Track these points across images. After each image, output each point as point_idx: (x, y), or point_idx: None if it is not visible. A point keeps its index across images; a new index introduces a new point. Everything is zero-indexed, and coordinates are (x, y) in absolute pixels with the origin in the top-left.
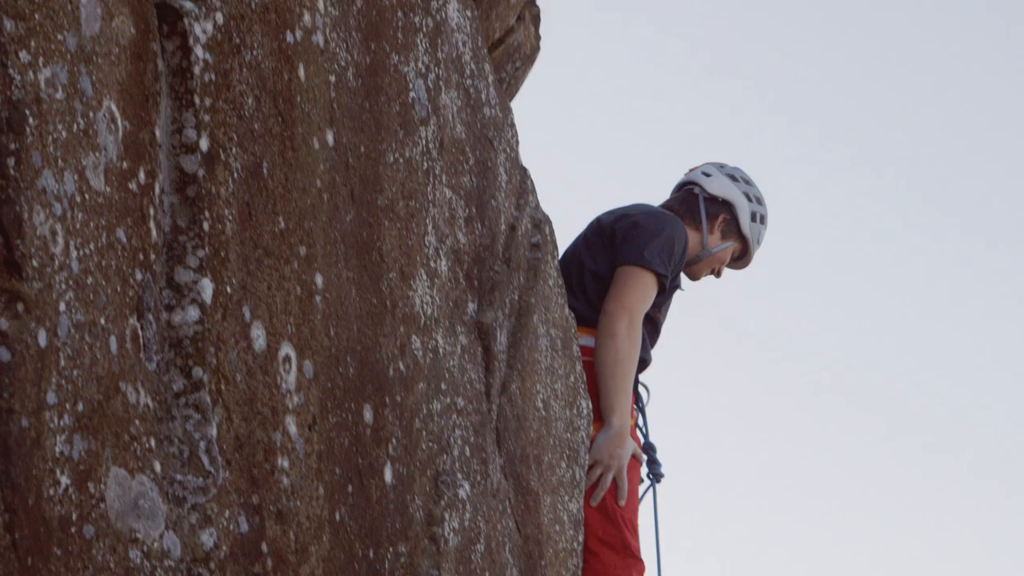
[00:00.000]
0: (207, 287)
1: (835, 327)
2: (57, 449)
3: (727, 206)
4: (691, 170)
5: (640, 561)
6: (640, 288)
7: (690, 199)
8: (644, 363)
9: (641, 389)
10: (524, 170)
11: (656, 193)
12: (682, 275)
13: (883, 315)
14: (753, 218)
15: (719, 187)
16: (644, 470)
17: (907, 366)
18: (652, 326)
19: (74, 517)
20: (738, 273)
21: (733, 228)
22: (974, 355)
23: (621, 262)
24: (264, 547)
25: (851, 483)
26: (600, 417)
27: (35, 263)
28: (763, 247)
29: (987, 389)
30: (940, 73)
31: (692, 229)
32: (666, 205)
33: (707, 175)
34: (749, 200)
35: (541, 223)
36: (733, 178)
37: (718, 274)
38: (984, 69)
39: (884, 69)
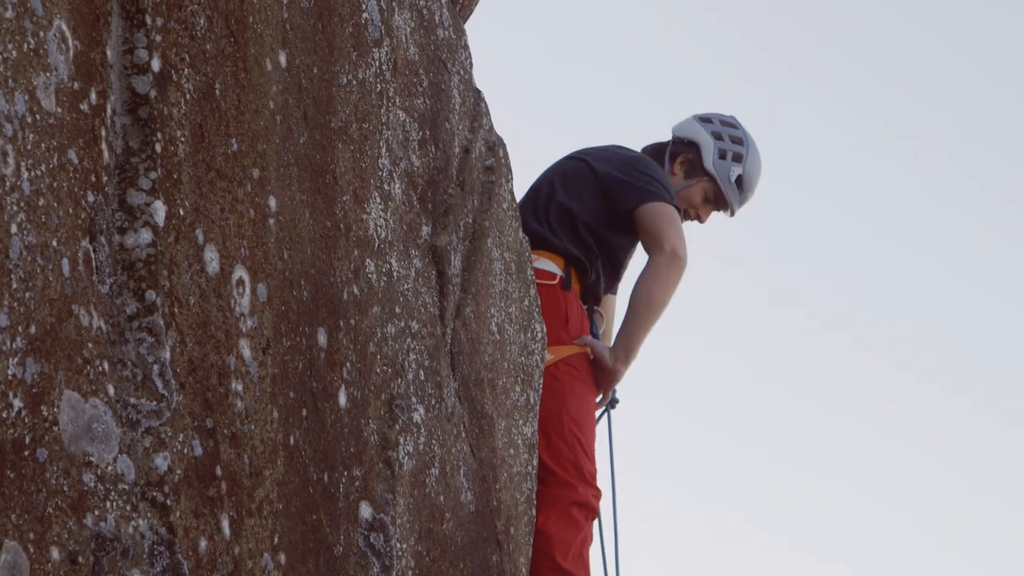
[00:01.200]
0: (159, 209)
1: (823, 271)
2: (10, 372)
3: (691, 146)
4: None
5: (595, 487)
6: (678, 223)
7: (660, 144)
8: (596, 297)
9: (596, 317)
10: (478, 92)
11: (608, 113)
12: None
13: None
14: (722, 155)
15: (685, 129)
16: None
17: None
18: (616, 268)
19: (27, 440)
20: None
21: (697, 167)
22: (970, 345)
23: (645, 199)
24: (218, 471)
25: (821, 414)
26: (556, 339)
27: None
28: (757, 194)
29: (984, 383)
30: (978, 52)
31: None
32: (645, 149)
33: (681, 123)
34: (720, 139)
35: (495, 146)
36: (706, 120)
37: (699, 218)
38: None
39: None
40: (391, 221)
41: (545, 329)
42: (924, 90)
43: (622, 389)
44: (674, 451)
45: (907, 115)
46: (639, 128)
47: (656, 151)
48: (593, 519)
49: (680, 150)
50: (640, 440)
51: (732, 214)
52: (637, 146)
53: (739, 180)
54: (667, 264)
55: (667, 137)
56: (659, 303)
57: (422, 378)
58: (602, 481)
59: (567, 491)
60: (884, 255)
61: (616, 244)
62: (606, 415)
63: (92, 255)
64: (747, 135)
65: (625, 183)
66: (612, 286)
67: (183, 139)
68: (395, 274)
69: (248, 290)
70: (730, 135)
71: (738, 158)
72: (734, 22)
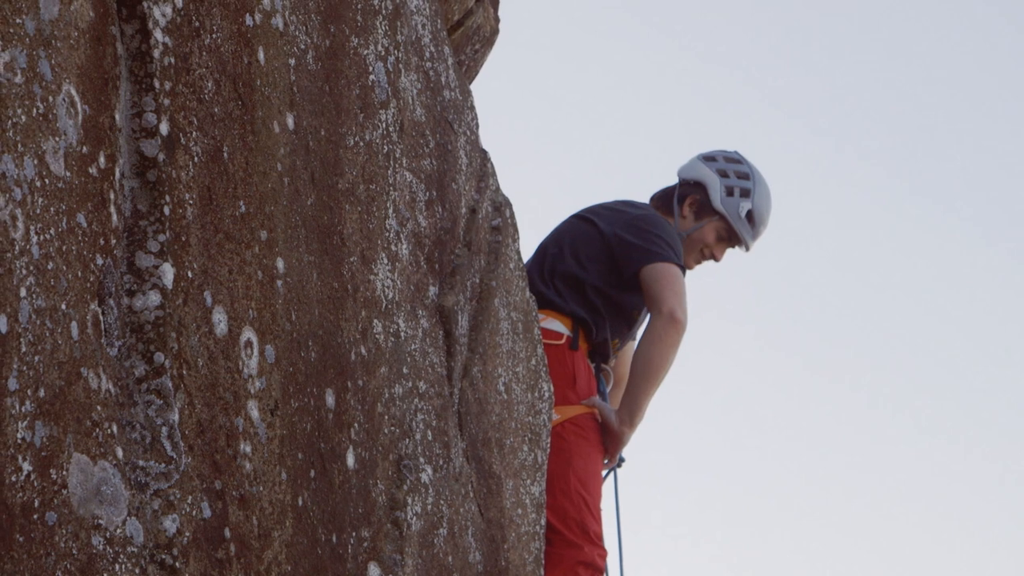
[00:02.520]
0: (168, 272)
1: (819, 313)
2: (19, 435)
3: (698, 186)
4: None
5: (601, 547)
6: (679, 284)
7: (668, 189)
8: (604, 356)
9: (604, 375)
10: (484, 153)
11: (615, 174)
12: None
13: (871, 305)
14: (729, 192)
15: (690, 170)
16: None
17: (879, 341)
18: (632, 319)
19: (36, 504)
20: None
21: (706, 207)
22: (965, 350)
23: (648, 260)
24: (227, 532)
25: (822, 469)
26: (563, 399)
27: None
28: (769, 226)
29: (980, 385)
30: (950, 69)
31: (667, 217)
32: (653, 198)
33: (686, 164)
34: (726, 176)
35: (502, 206)
36: (711, 159)
37: (715, 257)
38: (990, 60)
39: (892, 64)
40: (398, 282)
41: (552, 388)
42: (924, 132)
43: (628, 448)
44: (681, 509)
45: (906, 158)
46: (648, 184)
47: (664, 196)
48: None
49: (688, 192)
50: (647, 498)
51: (748, 249)
52: (645, 197)
53: (749, 215)
54: (664, 327)
55: (674, 181)
56: (659, 366)
57: (430, 438)
58: (609, 540)
59: (573, 551)
60: (886, 301)
61: (626, 303)
62: (612, 474)
63: (101, 318)
64: (753, 169)
65: (631, 244)
66: (625, 342)
67: (191, 202)
68: (402, 334)
69: (256, 351)
70: (735, 171)
71: (746, 193)
72: (733, 65)
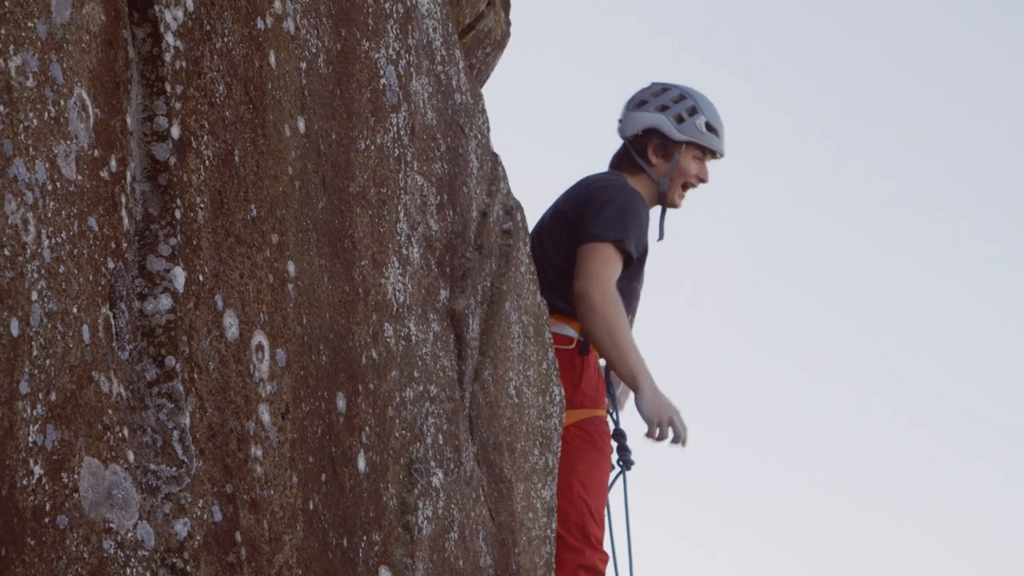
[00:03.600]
0: (179, 275)
1: (820, 310)
2: (30, 439)
3: (649, 132)
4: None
5: (602, 551)
6: (599, 259)
7: (623, 152)
8: None
9: (613, 376)
10: (495, 156)
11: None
12: (656, 235)
13: (873, 305)
14: (680, 119)
15: (632, 125)
16: (614, 457)
17: (888, 350)
18: (631, 295)
19: (48, 507)
20: (717, 261)
21: (669, 144)
22: (967, 349)
23: (578, 244)
24: (238, 536)
25: (829, 470)
26: (569, 403)
27: (7, 252)
28: (729, 137)
29: (981, 384)
30: (944, 66)
31: (639, 174)
32: (612, 167)
33: (620, 122)
34: (666, 108)
35: (512, 210)
36: (641, 103)
37: (702, 179)
38: (985, 61)
39: (894, 65)
40: (409, 285)
41: (563, 392)
42: (923, 136)
43: (637, 451)
44: (690, 513)
45: (906, 164)
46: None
47: (623, 158)
48: None
49: (643, 142)
50: (657, 502)
51: (723, 155)
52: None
53: (707, 126)
54: (583, 293)
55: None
56: (599, 340)
57: (441, 442)
58: (619, 544)
59: (574, 555)
60: (889, 309)
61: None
62: (622, 478)
63: (112, 322)
64: (680, 87)
65: (580, 229)
66: (634, 310)
67: (202, 205)
68: (414, 338)
69: (267, 355)
70: (670, 99)
71: (692, 111)
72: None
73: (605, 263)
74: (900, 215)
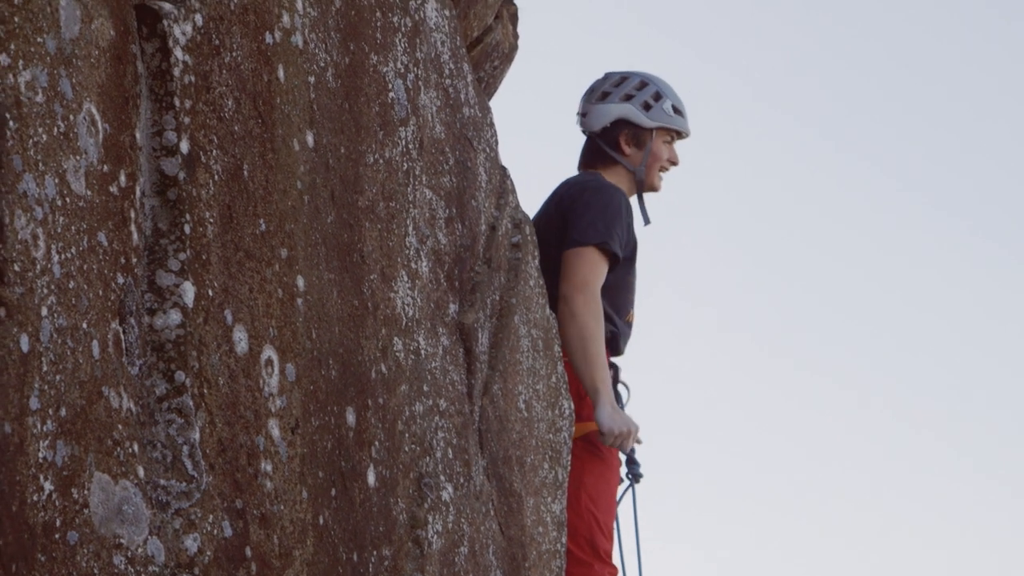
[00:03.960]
0: (189, 290)
1: (822, 317)
2: (40, 455)
3: (618, 124)
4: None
5: (611, 565)
6: (584, 264)
7: (592, 147)
8: (613, 338)
9: (621, 388)
10: (504, 170)
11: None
12: (640, 233)
13: (874, 307)
14: (646, 106)
15: (599, 119)
16: (623, 470)
17: (899, 358)
18: (627, 289)
19: (58, 523)
20: (717, 266)
21: (640, 132)
22: (968, 350)
23: (562, 250)
24: (248, 552)
25: (840, 480)
26: (583, 415)
27: (16, 267)
28: (694, 127)
29: (979, 384)
30: (944, 67)
31: (613, 167)
32: (585, 166)
33: (584, 115)
34: (631, 97)
35: (521, 223)
36: (604, 96)
37: (674, 162)
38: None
39: (890, 68)
40: (418, 299)
41: (573, 406)
42: (923, 136)
43: (646, 462)
44: (701, 525)
45: (905, 164)
46: (668, 199)
47: (594, 154)
48: None
49: (613, 134)
50: (667, 514)
51: (689, 135)
52: (670, 210)
53: (674, 109)
54: (566, 298)
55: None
56: (571, 344)
57: (450, 456)
58: (628, 557)
59: (583, 569)
60: (890, 316)
61: (611, 282)
62: (631, 491)
63: (122, 337)
64: (639, 73)
65: (563, 235)
66: (628, 306)
67: (212, 220)
68: (423, 352)
69: (277, 370)
70: (633, 87)
71: (657, 96)
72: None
73: (590, 268)
74: (899, 215)
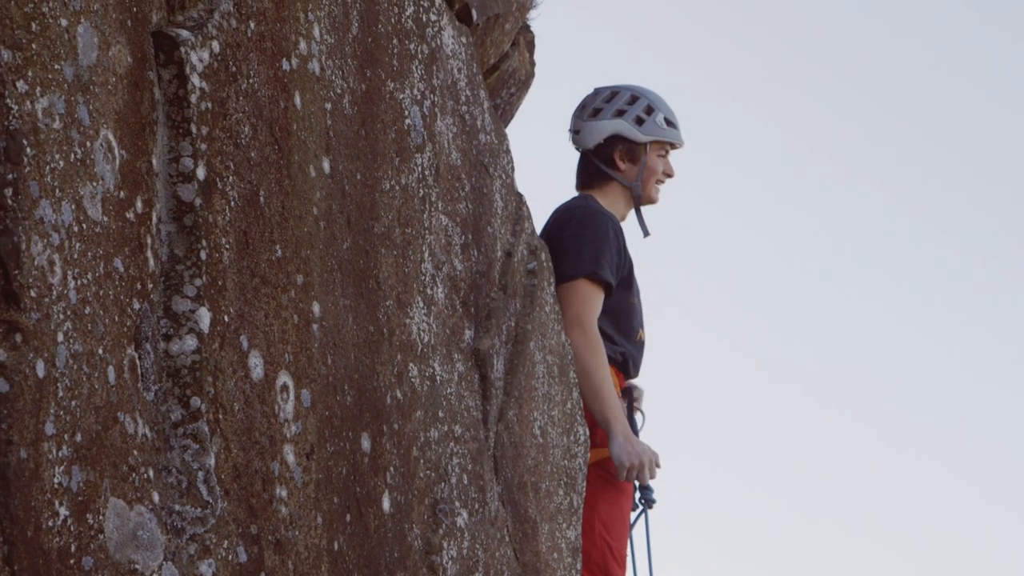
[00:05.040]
0: (204, 316)
1: (829, 338)
2: (56, 480)
3: (612, 140)
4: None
5: None
6: (575, 299)
7: (587, 165)
8: (625, 360)
9: (637, 416)
10: (520, 196)
11: (652, 216)
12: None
13: (876, 322)
14: (639, 121)
15: (592, 136)
16: (636, 496)
17: (900, 374)
18: (631, 312)
19: (73, 549)
20: (727, 285)
21: (634, 147)
22: (964, 362)
23: (556, 284)
24: None
25: (858, 508)
26: (596, 442)
27: (33, 293)
28: (685, 130)
29: (975, 396)
30: (930, 76)
31: (609, 184)
32: (581, 187)
33: (576, 132)
34: (623, 113)
35: (537, 249)
36: (596, 112)
37: (669, 175)
38: (972, 70)
39: (879, 76)
40: (434, 325)
41: (588, 432)
42: (917, 147)
43: (659, 489)
44: (714, 552)
45: (900, 175)
46: (682, 224)
47: (589, 174)
48: None
49: (607, 152)
50: (680, 540)
51: (683, 145)
52: (684, 238)
53: (666, 121)
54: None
55: (578, 163)
56: (588, 368)
57: (465, 482)
58: None
59: None
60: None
61: (614, 304)
62: (644, 516)
63: (138, 362)
64: (629, 87)
65: (555, 268)
66: (635, 326)
67: (228, 246)
68: (438, 378)
69: (292, 396)
70: (624, 102)
71: (649, 110)
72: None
73: (582, 302)
74: (894, 226)
